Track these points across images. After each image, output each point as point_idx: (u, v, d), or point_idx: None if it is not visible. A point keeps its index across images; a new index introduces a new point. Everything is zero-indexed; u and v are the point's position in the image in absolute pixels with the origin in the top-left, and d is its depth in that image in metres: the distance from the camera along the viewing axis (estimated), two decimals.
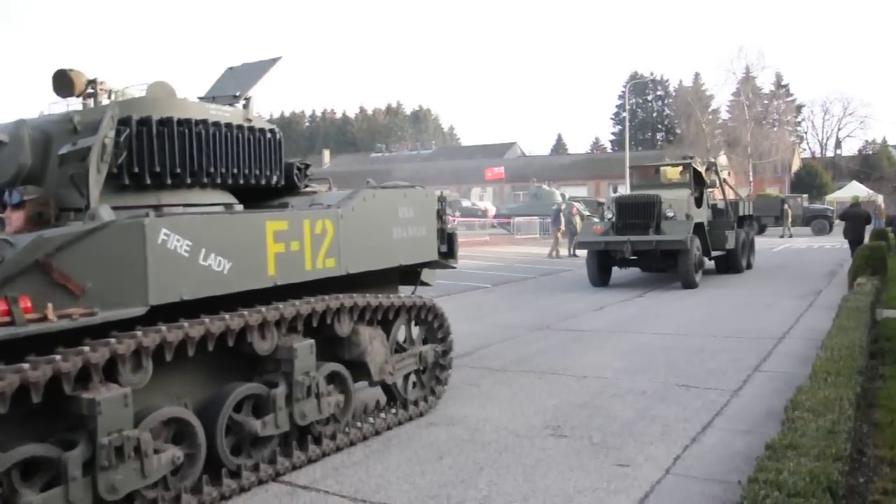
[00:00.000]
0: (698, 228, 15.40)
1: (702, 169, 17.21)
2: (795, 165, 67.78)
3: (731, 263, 17.53)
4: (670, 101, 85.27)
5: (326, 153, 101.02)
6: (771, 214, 37.86)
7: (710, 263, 17.09)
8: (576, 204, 29.10)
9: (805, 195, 46.98)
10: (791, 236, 36.31)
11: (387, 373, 5.61)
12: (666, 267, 15.47)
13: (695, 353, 8.46)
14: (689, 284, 14.71)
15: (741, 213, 18.89)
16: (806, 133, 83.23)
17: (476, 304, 13.29)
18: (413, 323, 6.30)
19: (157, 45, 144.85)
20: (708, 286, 15.13)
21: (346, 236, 5.18)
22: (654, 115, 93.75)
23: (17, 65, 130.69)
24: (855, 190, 46.76)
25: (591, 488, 4.47)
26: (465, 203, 50.77)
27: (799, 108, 77.41)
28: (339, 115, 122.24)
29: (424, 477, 4.69)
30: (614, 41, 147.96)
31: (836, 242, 28.10)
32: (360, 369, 5.45)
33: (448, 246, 6.54)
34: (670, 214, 14.99)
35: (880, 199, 46.15)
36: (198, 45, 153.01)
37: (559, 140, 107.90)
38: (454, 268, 6.91)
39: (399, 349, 6.11)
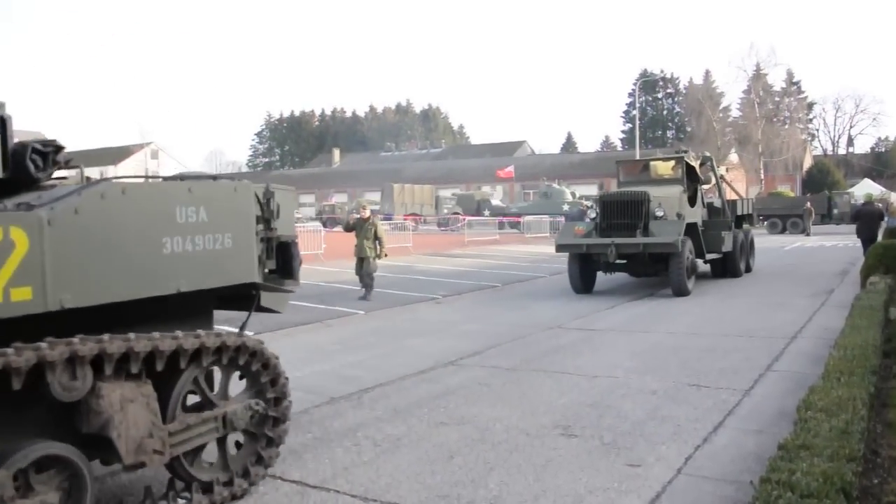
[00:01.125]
0: (691, 229, 14.17)
1: (696, 164, 16.04)
2: (807, 163, 67.44)
3: (728, 267, 16.40)
4: (680, 98, 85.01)
5: (336, 152, 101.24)
6: (796, 214, 37.22)
7: (705, 267, 16.13)
8: (585, 203, 29.07)
9: (850, 191, 46.47)
10: (809, 234, 36.15)
11: (150, 451, 3.82)
12: (655, 272, 14.20)
13: (706, 352, 8.42)
14: (681, 291, 13.34)
15: (740, 212, 17.85)
16: (817, 130, 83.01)
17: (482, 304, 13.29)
18: (227, 371, 4.53)
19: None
20: (702, 293, 13.94)
21: (58, 252, 3.41)
22: (665, 112, 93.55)
23: None
24: (867, 187, 46.56)
25: (601, 488, 4.45)
26: (495, 202, 50.60)
27: (810, 106, 77.11)
28: (349, 113, 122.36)
29: (435, 476, 4.69)
30: (624, 39, 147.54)
31: (848, 241, 27.92)
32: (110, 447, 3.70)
33: (281, 262, 4.81)
34: (659, 214, 13.72)
35: (893, 196, 45.83)
36: (211, 42, 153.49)
37: (569, 138, 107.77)
38: (291, 291, 5.07)
39: (197, 408, 4.32)
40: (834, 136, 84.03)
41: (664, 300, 13.18)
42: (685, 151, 16.34)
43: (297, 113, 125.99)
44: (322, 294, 14.22)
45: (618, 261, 13.87)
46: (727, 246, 15.69)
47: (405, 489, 4.51)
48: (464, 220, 38.48)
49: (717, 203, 17.29)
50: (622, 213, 13.92)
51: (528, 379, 7.29)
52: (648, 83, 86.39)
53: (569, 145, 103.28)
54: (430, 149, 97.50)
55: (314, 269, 17.29)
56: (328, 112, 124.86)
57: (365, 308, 12.66)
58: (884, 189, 48.15)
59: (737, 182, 64.04)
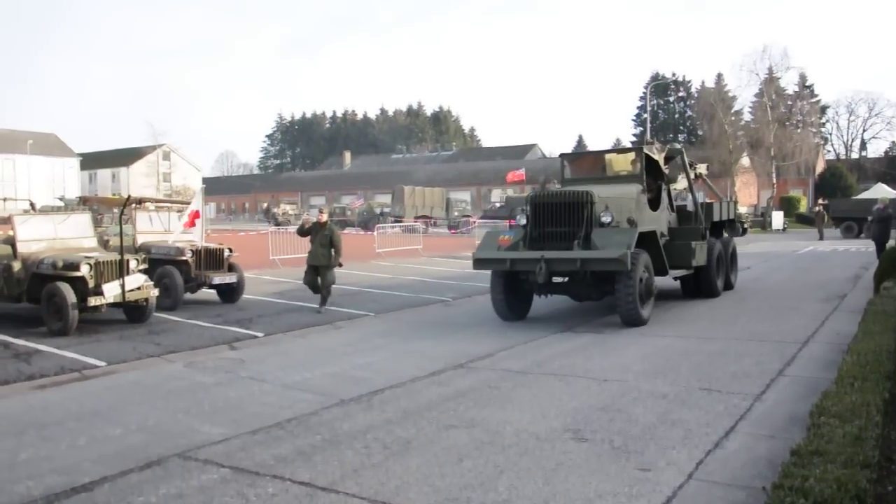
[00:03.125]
0: (649, 239, 11.20)
1: (659, 158, 13.19)
2: (819, 167, 67.06)
3: (702, 285, 13.48)
4: (692, 102, 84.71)
5: (347, 154, 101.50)
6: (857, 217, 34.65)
7: (674, 284, 13.82)
8: None
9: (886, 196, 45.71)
10: (822, 239, 35.93)
11: None
12: (602, 294, 11.04)
13: (717, 356, 8.37)
14: (631, 320, 10.32)
15: (718, 217, 14.96)
16: (830, 134, 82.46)
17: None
18: None
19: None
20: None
21: None
22: (676, 116, 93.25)
23: None
24: (881, 192, 46.10)
25: (612, 493, 4.43)
26: None
27: (823, 109, 76.66)
28: (360, 116, 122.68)
29: (444, 479, 4.67)
30: (636, 42, 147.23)
31: (861, 245, 27.74)
32: None
33: None
34: (606, 220, 10.62)
35: None
36: (224, 43, 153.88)
37: (580, 141, 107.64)
38: None
39: None
40: (847, 140, 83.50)
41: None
42: (651, 142, 14.16)
43: (308, 115, 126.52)
44: (332, 296, 14.21)
45: (556, 279, 11.02)
46: (699, 259, 12.85)
47: (414, 492, 4.49)
48: (474, 222, 38.42)
49: (694, 206, 14.47)
50: (558, 218, 10.84)
51: (538, 382, 7.27)
52: (660, 86, 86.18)
53: (580, 148, 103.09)
54: (440, 151, 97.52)
55: None
56: (339, 114, 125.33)
57: (375, 310, 12.66)
58: None
59: (749, 186, 63.95)
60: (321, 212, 13.41)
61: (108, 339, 9.99)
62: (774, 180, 59.08)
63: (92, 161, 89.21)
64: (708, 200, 16.51)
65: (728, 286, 14.73)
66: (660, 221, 12.65)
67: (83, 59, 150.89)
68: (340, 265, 12.87)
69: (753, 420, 5.86)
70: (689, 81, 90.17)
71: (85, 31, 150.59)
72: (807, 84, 72.32)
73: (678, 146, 14.60)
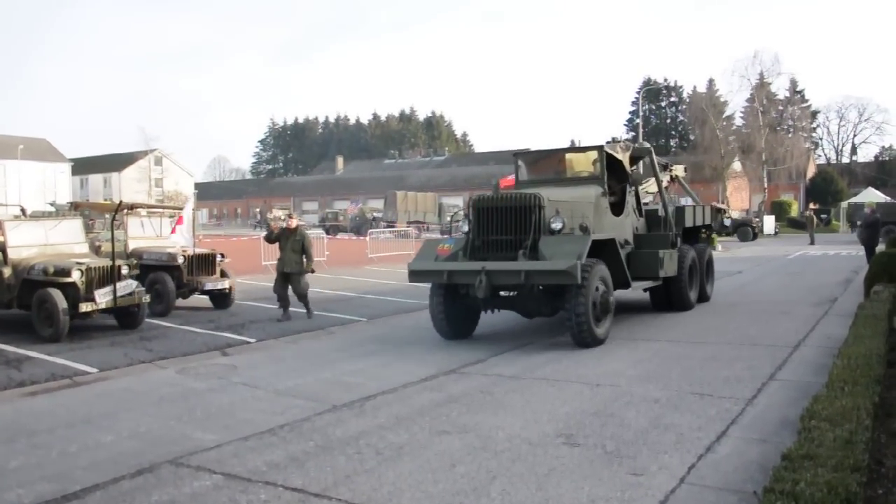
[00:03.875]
0: (607, 248, 10.04)
1: (623, 157, 12.05)
2: (810, 172, 67.39)
3: (672, 297, 12.42)
4: (684, 107, 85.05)
5: (340, 159, 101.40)
6: None
7: (643, 295, 12.94)
8: None
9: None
10: (813, 243, 36.06)
11: None
12: (553, 310, 9.84)
13: (709, 360, 8.40)
14: (583, 340, 9.12)
15: (691, 223, 13.81)
16: (821, 139, 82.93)
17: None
18: None
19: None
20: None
21: None
22: (668, 121, 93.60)
23: None
24: (871, 196, 46.42)
25: (604, 497, 4.43)
26: None
27: (814, 115, 77.04)
28: (352, 121, 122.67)
29: (437, 485, 4.67)
30: (628, 47, 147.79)
31: (851, 250, 27.88)
32: None
33: None
34: (557, 226, 9.57)
35: None
36: (217, 48, 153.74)
37: (573, 146, 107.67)
38: None
39: None
40: (838, 145, 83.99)
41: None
42: (616, 141, 13.09)
43: (300, 120, 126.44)
44: (325, 301, 14.21)
45: (504, 293, 9.85)
46: (669, 269, 11.70)
47: (407, 498, 4.49)
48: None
49: (662, 212, 13.19)
50: (503, 225, 9.73)
51: (530, 387, 7.27)
52: (652, 91, 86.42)
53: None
54: (433, 156, 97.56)
55: (317, 276, 17.32)
56: (332, 119, 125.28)
57: (367, 315, 12.65)
58: (888, 198, 47.96)
59: (740, 190, 64.16)
60: (290, 217, 12.96)
61: (99, 345, 9.95)
62: (766, 185, 59.30)
63: (83, 166, 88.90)
64: (684, 204, 15.21)
65: (703, 297, 13.57)
66: (623, 228, 11.51)
67: (75, 63, 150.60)
68: (313, 271, 12.62)
69: (745, 424, 5.88)
70: (680, 86, 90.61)
71: (76, 35, 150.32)
72: (798, 89, 72.71)
73: (647, 145, 13.24)
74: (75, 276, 10.30)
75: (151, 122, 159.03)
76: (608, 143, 12.45)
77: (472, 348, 9.50)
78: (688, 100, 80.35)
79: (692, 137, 69.53)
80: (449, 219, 42.72)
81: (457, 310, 10.14)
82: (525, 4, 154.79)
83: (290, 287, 12.22)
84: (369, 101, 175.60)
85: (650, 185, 14.08)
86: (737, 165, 62.49)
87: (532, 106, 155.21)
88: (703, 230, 15.04)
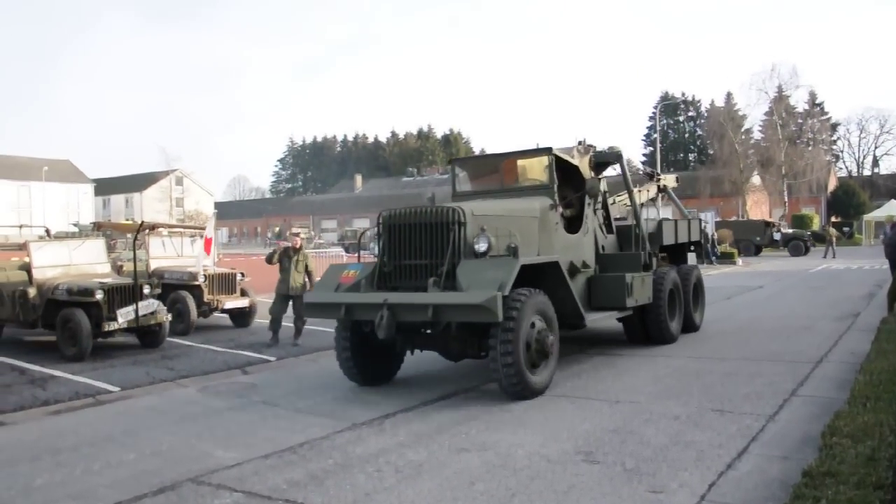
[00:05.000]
0: (550, 274, 8.12)
1: (581, 162, 10.17)
2: (831, 185, 66.82)
3: (650, 328, 10.55)
4: (702, 121, 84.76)
5: (358, 178, 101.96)
6: None
7: (616, 325, 10.87)
8: None
9: None
10: (834, 257, 35.71)
11: None
12: (479, 352, 7.80)
13: (729, 376, 8.34)
14: (514, 391, 7.32)
15: (672, 240, 11.85)
16: (842, 152, 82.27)
17: None
18: None
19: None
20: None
21: None
22: (686, 135, 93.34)
23: None
24: (893, 209, 45.91)
25: None
26: None
27: (834, 127, 76.54)
28: (371, 139, 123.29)
29: (456, 503, 4.68)
30: (645, 62, 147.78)
31: (875, 263, 27.57)
32: None
33: None
34: (481, 247, 7.71)
35: None
36: (235, 69, 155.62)
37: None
38: None
39: None
40: (859, 158, 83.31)
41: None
42: (588, 145, 10.59)
43: (319, 139, 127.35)
44: None
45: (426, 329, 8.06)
46: (640, 296, 9.85)
47: None
48: None
49: (652, 227, 11.47)
50: (417, 246, 7.93)
51: (549, 404, 7.26)
52: (669, 106, 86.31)
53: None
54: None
55: None
56: (350, 138, 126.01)
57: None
58: None
59: (760, 204, 63.74)
60: (297, 236, 12.50)
61: (121, 364, 10.06)
62: (786, 198, 58.89)
63: (106, 186, 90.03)
64: (674, 219, 13.28)
65: (689, 327, 11.65)
66: (579, 248, 9.61)
67: (96, 85, 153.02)
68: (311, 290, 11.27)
69: (766, 441, 5.83)
70: (698, 101, 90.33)
71: (98, 56, 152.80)
72: (817, 102, 72.28)
73: (617, 149, 11.10)
74: (98, 296, 10.44)
75: (172, 142, 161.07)
76: (588, 145, 10.55)
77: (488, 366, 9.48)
78: (706, 114, 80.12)
79: (711, 152, 69.23)
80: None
81: (372, 349, 8.32)
82: (541, 21, 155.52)
83: (287, 310, 11.57)
84: (387, 118, 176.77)
85: (641, 196, 12.93)
86: (756, 179, 62.15)
87: (549, 122, 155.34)
88: (692, 248, 13.19)
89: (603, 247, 10.53)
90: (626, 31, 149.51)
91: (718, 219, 53.57)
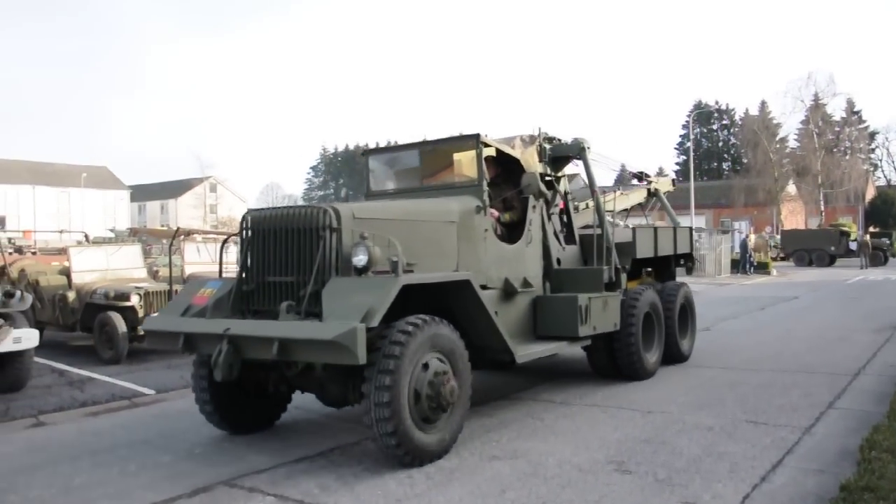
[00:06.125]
0: (463, 296, 6.27)
1: (524, 155, 8.36)
2: (869, 194, 65.67)
3: (618, 359, 8.64)
4: (736, 130, 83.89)
5: None
6: None
7: (579, 354, 9.02)
8: None
9: None
10: (867, 267, 35.09)
11: None
12: (360, 397, 5.62)
13: (764, 388, 8.23)
14: (391, 454, 5.55)
15: (649, 253, 9.73)
16: (880, 160, 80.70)
17: None
18: None
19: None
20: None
21: None
22: (720, 144, 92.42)
23: None
24: None
25: None
26: None
27: (872, 136, 75.16)
28: None
29: None
30: (677, 70, 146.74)
31: None
32: None
33: None
34: (360, 261, 5.77)
35: None
36: (269, 77, 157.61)
37: (622, 170, 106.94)
38: None
39: None
40: None
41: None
42: (536, 136, 8.80)
43: (351, 147, 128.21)
44: None
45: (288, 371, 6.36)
46: (601, 322, 8.00)
47: None
48: None
49: (625, 236, 9.48)
50: (284, 257, 6.12)
51: (581, 413, 7.23)
52: (703, 114, 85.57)
53: (622, 178, 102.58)
54: None
55: None
56: (381, 146, 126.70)
57: None
58: None
59: (796, 214, 62.81)
60: None
61: (156, 367, 10.23)
62: (822, 208, 57.99)
63: (141, 193, 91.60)
64: (663, 225, 11.49)
65: (675, 357, 9.72)
66: (519, 261, 7.76)
67: (133, 92, 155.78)
68: None
69: (802, 454, 5.75)
70: (732, 109, 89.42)
71: (134, 64, 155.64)
72: (854, 110, 71.09)
73: (581, 141, 9.15)
74: (134, 300, 10.65)
75: (207, 149, 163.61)
76: (537, 137, 8.71)
77: (523, 373, 9.47)
78: (740, 122, 79.30)
79: (745, 160, 68.48)
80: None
81: (230, 387, 6.47)
82: (571, 28, 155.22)
83: None
84: (418, 126, 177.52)
85: (622, 200, 11.26)
86: (791, 188, 61.32)
87: (581, 129, 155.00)
88: (682, 261, 11.15)
89: (559, 260, 8.61)
90: (658, 39, 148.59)
91: (769, 228, 52.63)
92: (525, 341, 7.44)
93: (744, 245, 34.71)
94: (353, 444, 6.31)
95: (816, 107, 59.08)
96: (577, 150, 9.20)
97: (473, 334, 6.44)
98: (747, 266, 33.68)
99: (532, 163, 8.51)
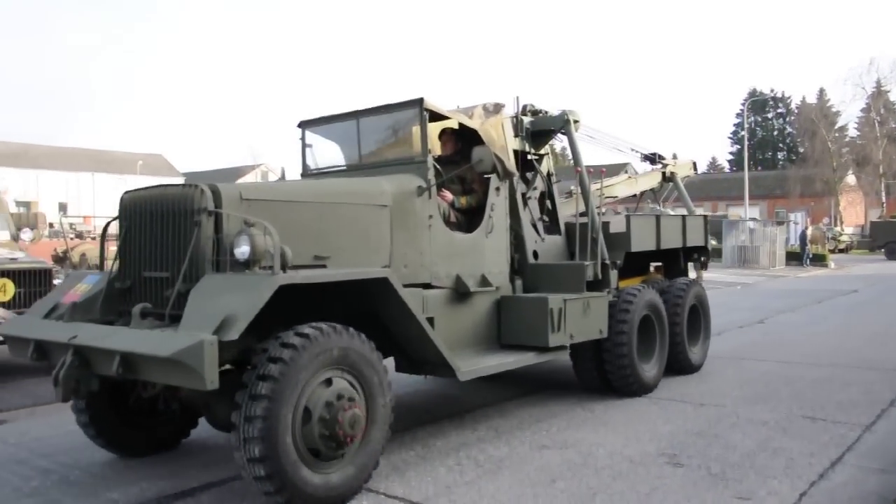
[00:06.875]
0: (388, 299, 5.09)
1: (485, 127, 6.83)
2: None
3: (610, 372, 7.33)
4: (792, 118, 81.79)
5: None
6: None
7: (566, 362, 7.63)
8: None
9: None
10: None
11: None
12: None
13: (822, 383, 8.03)
14: (274, 500, 4.35)
15: (655, 245, 8.34)
16: None
17: None
18: None
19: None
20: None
21: None
22: (775, 133, 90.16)
23: None
24: None
25: None
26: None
27: None
28: None
29: (536, 500, 4.67)
30: (731, 58, 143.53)
31: None
32: None
33: None
34: (241, 253, 4.58)
35: None
36: (319, 66, 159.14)
37: (674, 159, 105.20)
38: None
39: None
40: None
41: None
42: (499, 104, 7.25)
43: None
44: None
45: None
46: (582, 329, 6.81)
47: None
48: None
49: (618, 226, 8.01)
50: (158, 247, 5.04)
51: (632, 405, 7.15)
52: (758, 103, 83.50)
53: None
54: None
55: None
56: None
57: None
58: None
59: (855, 205, 61.01)
60: None
61: None
62: (884, 199, 56.22)
63: (195, 180, 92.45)
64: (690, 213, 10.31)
65: (683, 367, 8.47)
66: (476, 254, 6.49)
67: (186, 81, 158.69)
68: None
69: (862, 452, 5.59)
70: (788, 97, 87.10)
71: (185, 53, 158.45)
72: None
73: (567, 113, 7.86)
74: None
75: (257, 137, 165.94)
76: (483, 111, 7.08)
77: (568, 364, 9.40)
78: (796, 111, 77.29)
79: (801, 150, 66.77)
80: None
81: (140, 406, 5.62)
82: (623, 13, 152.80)
83: None
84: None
85: (618, 185, 9.80)
86: (850, 179, 59.59)
87: (632, 118, 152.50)
88: (696, 255, 9.66)
89: (536, 253, 7.33)
90: (712, 24, 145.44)
91: (826, 219, 51.23)
92: (483, 352, 6.34)
93: (803, 237, 33.98)
94: (404, 430, 6.34)
95: (878, 94, 57.25)
96: (560, 124, 7.85)
97: (407, 345, 5.50)
98: (804, 258, 32.96)
99: (494, 136, 6.91)
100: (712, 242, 11.43)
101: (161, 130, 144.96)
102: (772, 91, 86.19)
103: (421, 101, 6.20)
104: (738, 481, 4.95)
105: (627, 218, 8.13)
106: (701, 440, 5.92)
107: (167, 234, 4.95)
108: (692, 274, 9.76)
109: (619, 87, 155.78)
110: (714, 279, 24.95)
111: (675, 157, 12.42)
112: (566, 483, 4.96)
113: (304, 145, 7.13)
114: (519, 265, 7.13)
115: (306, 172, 7.14)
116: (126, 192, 5.44)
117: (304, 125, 7.16)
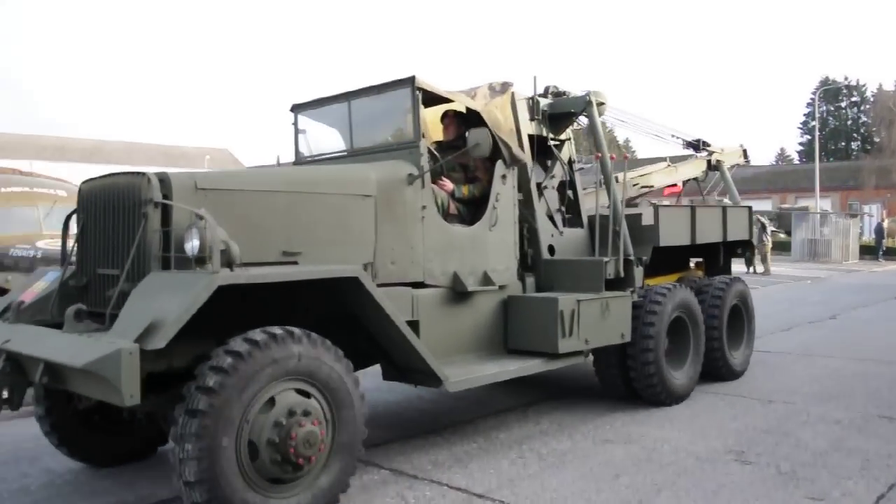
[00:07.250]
0: (362, 299, 4.55)
1: (489, 108, 6.13)
2: None
3: (635, 379, 6.66)
4: (867, 107, 78.70)
5: None
6: None
7: (588, 367, 7.04)
8: (761, 218, 26.79)
9: None
10: None
11: None
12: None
13: None
14: None
15: (689, 240, 7.60)
16: None
17: None
18: None
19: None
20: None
21: None
22: (849, 122, 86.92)
23: None
24: None
25: None
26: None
27: None
28: None
29: (600, 495, 4.63)
30: (802, 45, 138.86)
31: None
32: None
33: None
34: (191, 247, 4.01)
35: None
36: (360, 56, 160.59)
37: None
38: None
39: None
40: None
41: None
42: (507, 83, 6.56)
43: None
44: None
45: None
46: (599, 334, 6.12)
47: None
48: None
49: (645, 218, 7.28)
50: (108, 240, 4.60)
51: (698, 400, 7.02)
52: (830, 91, 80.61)
53: None
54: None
55: None
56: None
57: None
58: None
59: None
60: None
61: None
62: None
63: None
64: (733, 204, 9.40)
65: (723, 373, 7.78)
66: (477, 250, 5.85)
67: (248, 74, 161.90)
68: None
69: None
70: (863, 85, 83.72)
71: (247, 49, 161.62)
72: None
73: (591, 94, 7.14)
74: None
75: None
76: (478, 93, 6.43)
77: None
78: (872, 99, 74.35)
79: (877, 140, 64.20)
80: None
81: (107, 416, 5.21)
82: (686, 3, 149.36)
83: None
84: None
85: (655, 174, 9.09)
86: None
87: (699, 108, 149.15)
88: (740, 250, 8.99)
89: (552, 248, 6.65)
90: (783, 11, 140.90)
91: (886, 212, 49.58)
92: (486, 358, 5.71)
93: (879, 230, 32.79)
94: (467, 422, 6.37)
95: None
96: (581, 105, 7.05)
97: (391, 351, 5.02)
98: (879, 252, 31.83)
99: (501, 118, 6.24)
100: (781, 235, 10.85)
101: (227, 124, 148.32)
102: (846, 79, 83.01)
103: (412, 79, 5.60)
104: (810, 481, 4.82)
105: (656, 208, 7.32)
106: (770, 438, 5.78)
107: (118, 227, 4.51)
108: (740, 269, 8.98)
109: (682, 76, 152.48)
110: (782, 273, 24.30)
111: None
112: (630, 478, 4.91)
113: (297, 131, 6.60)
114: (532, 261, 6.48)
115: (299, 160, 6.62)
116: (83, 182, 4.96)
117: (296, 109, 6.58)
